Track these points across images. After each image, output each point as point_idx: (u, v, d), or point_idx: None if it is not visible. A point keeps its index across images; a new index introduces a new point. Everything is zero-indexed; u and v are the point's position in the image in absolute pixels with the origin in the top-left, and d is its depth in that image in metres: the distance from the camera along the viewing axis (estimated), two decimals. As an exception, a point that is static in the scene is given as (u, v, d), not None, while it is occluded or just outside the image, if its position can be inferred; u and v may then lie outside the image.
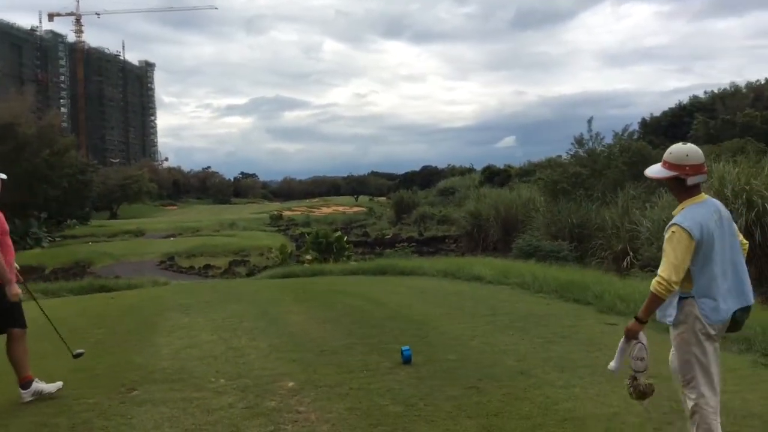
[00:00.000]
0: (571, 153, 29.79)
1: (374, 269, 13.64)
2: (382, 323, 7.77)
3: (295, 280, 13.98)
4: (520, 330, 7.13)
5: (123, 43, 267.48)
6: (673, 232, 3.38)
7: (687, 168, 3.44)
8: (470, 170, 76.23)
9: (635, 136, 33.89)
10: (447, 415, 4.53)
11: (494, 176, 54.99)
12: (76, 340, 7.61)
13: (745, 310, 3.49)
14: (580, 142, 29.46)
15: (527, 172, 49.19)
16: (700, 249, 3.35)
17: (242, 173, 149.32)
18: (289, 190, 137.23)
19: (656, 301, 3.39)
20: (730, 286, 3.43)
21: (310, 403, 4.91)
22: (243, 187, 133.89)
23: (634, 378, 3.51)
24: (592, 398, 4.78)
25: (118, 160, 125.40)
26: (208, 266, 25.03)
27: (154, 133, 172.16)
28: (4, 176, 5.83)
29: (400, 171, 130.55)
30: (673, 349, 3.53)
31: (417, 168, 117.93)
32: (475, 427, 4.26)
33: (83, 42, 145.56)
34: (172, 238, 40.68)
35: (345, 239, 25.54)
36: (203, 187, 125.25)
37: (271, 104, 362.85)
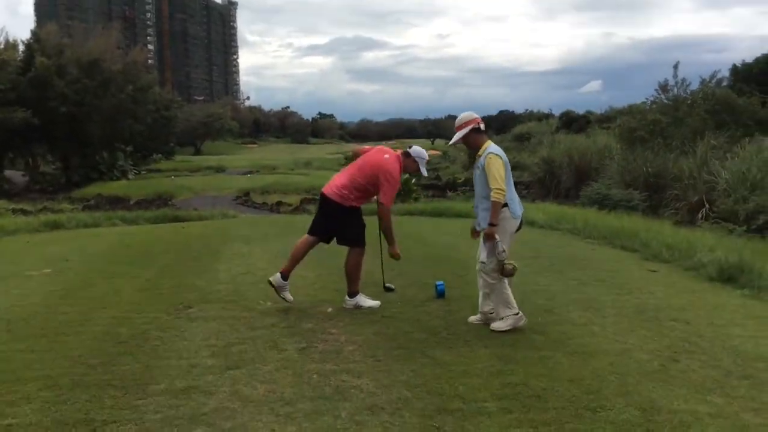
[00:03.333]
0: (653, 99, 28.76)
1: (431, 211, 13.93)
2: (425, 261, 8.16)
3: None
4: (558, 272, 7.35)
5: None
6: None
7: None
8: (548, 116, 74.38)
9: (724, 83, 32.27)
10: (465, 342, 4.89)
11: (572, 122, 53.59)
12: (147, 263, 8.38)
13: None
14: (664, 88, 28.33)
15: (608, 119, 47.63)
16: None
17: (320, 113, 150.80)
18: (365, 132, 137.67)
19: None
20: None
21: (343, 327, 5.36)
22: (320, 128, 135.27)
23: (502, 265, 5.07)
24: (608, 336, 5.01)
25: (202, 98, 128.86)
26: (279, 203, 25.90)
27: (237, 72, 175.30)
28: None
29: (480, 115, 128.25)
30: None
31: (495, 112, 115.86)
32: (487, 355, 4.60)
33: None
34: (249, 175, 42.01)
35: (413, 181, 25.79)
36: (282, 126, 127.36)
37: (351, 44, 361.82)
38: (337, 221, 5.99)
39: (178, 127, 64.01)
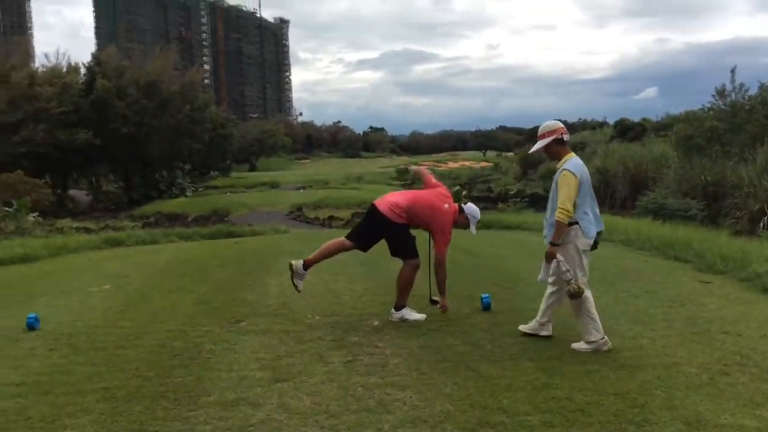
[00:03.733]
0: (710, 105, 28.02)
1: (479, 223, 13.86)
2: (473, 272, 8.17)
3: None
4: (608, 284, 7.25)
5: (259, 0, 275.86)
6: None
7: None
8: (602, 124, 73.15)
9: (786, 88, 31.22)
10: (510, 356, 4.89)
11: (628, 130, 52.48)
12: (202, 279, 8.63)
13: None
14: (721, 93, 27.57)
15: (664, 127, 46.55)
16: None
17: (371, 127, 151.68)
18: (416, 145, 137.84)
19: None
20: None
21: (389, 340, 5.43)
22: (372, 141, 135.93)
23: (568, 284, 4.85)
24: (656, 349, 4.95)
25: (256, 115, 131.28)
26: (331, 217, 26.13)
27: (289, 89, 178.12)
28: None
29: (530, 125, 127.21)
30: None
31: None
32: (532, 368, 4.59)
33: (222, 0, 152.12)
34: (301, 190, 42.55)
35: (464, 193, 25.77)
36: (334, 140, 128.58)
37: (401, 58, 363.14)
38: (384, 235, 6.12)
39: (234, 144, 65.33)
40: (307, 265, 6.21)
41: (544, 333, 5.33)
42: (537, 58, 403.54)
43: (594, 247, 5.14)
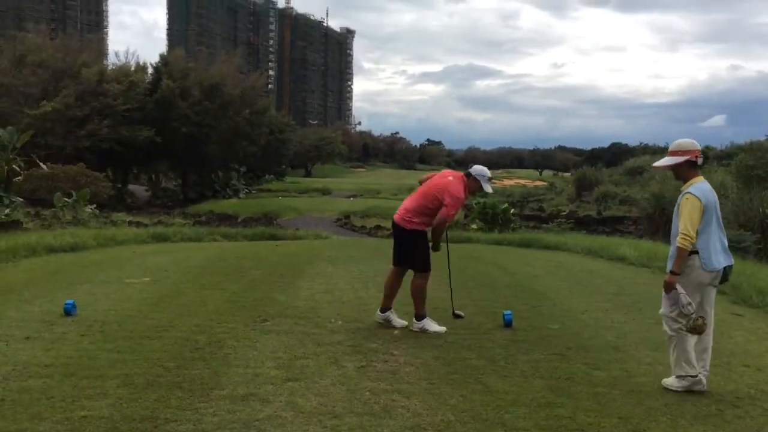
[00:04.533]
0: (776, 136, 27.23)
1: (519, 242, 13.85)
2: (502, 290, 8.17)
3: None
4: (636, 310, 7.16)
5: (327, 9, 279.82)
6: None
7: None
8: (664, 150, 71.33)
9: None
10: (521, 373, 4.90)
11: (689, 158, 51.25)
12: (237, 277, 8.86)
13: None
14: (788, 124, 26.85)
15: (728, 155, 45.39)
16: None
17: (428, 140, 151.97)
18: (473, 160, 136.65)
19: None
20: None
21: (405, 349, 5.51)
22: (428, 154, 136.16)
23: (688, 318, 4.46)
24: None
25: (316, 122, 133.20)
26: (378, 227, 26.33)
27: (350, 98, 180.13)
28: None
29: (590, 147, 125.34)
30: None
31: (606, 144, 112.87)
32: (542, 386, 4.60)
33: (291, 8, 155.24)
34: (352, 199, 42.98)
35: (512, 211, 25.59)
36: (390, 151, 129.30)
37: (464, 72, 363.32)
38: (403, 245, 6.18)
39: (292, 149, 66.40)
40: (383, 309, 6.32)
41: (697, 388, 4.61)
42: (603, 79, 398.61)
43: (723, 280, 4.74)
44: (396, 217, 6.23)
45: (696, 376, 4.55)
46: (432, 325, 6.14)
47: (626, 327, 6.41)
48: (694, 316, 4.46)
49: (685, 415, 4.09)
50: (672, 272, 4.53)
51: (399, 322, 6.27)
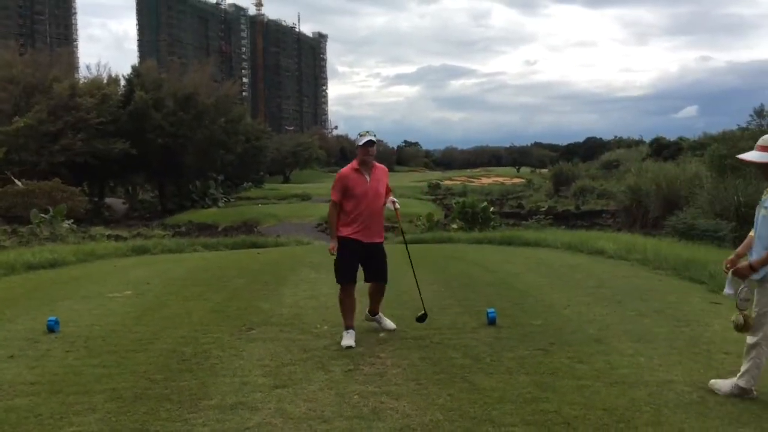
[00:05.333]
0: (746, 125, 27.67)
1: (500, 239, 13.97)
2: (485, 288, 8.25)
3: (423, 246, 14.63)
4: (617, 303, 7.26)
5: (299, 15, 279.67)
6: None
7: None
8: (638, 143, 72.25)
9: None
10: (507, 370, 4.97)
11: (663, 149, 51.85)
12: (219, 287, 8.85)
13: None
14: (759, 113, 27.32)
15: (701, 146, 45.88)
16: None
17: (405, 141, 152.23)
18: (450, 160, 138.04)
19: None
20: None
21: (392, 351, 5.55)
22: (406, 156, 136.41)
23: (739, 312, 4.34)
24: (653, 367, 4.96)
25: (292, 128, 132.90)
26: (359, 230, 26.42)
27: (325, 103, 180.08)
28: None
29: (566, 142, 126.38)
30: None
31: (582, 139, 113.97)
32: (527, 382, 4.67)
33: (263, 15, 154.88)
34: (332, 203, 42.94)
35: (491, 210, 25.76)
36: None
37: (438, 73, 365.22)
38: None
39: (269, 156, 66.19)
40: (373, 312, 6.38)
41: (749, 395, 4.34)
42: (575, 74, 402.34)
43: None
44: None
45: (751, 392, 4.30)
46: (345, 337, 5.92)
47: (608, 320, 6.51)
48: (744, 313, 4.31)
49: (668, 404, 4.18)
50: (752, 267, 4.24)
51: (390, 324, 6.30)
